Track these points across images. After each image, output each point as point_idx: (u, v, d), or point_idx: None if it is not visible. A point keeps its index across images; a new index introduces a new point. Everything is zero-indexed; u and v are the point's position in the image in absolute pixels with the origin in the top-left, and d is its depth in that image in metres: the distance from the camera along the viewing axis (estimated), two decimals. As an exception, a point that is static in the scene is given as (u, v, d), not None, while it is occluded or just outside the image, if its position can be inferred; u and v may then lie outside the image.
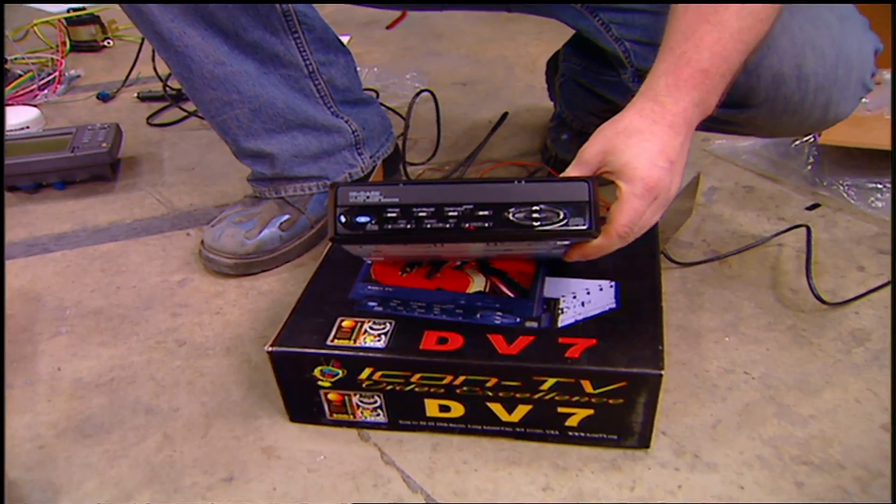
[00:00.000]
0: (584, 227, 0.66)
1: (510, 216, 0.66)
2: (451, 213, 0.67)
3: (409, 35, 2.12)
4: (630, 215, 0.69)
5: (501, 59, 1.93)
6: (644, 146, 0.69)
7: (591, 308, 0.77)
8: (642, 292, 0.80)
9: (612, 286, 0.81)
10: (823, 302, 0.93)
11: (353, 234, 0.68)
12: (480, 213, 0.67)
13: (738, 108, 0.87)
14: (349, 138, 1.10)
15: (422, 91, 1.32)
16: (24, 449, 0.79)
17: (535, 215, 0.66)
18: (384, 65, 1.84)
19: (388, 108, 1.48)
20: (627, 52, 0.96)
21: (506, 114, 1.38)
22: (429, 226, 0.67)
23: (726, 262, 1.03)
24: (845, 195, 1.15)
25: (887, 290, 0.96)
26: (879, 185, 1.14)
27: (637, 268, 0.84)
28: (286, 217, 1.07)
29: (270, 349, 0.75)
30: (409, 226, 0.67)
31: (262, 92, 1.01)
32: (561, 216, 0.66)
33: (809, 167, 1.22)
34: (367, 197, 0.67)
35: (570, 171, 0.73)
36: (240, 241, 1.04)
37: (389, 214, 0.67)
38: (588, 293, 0.80)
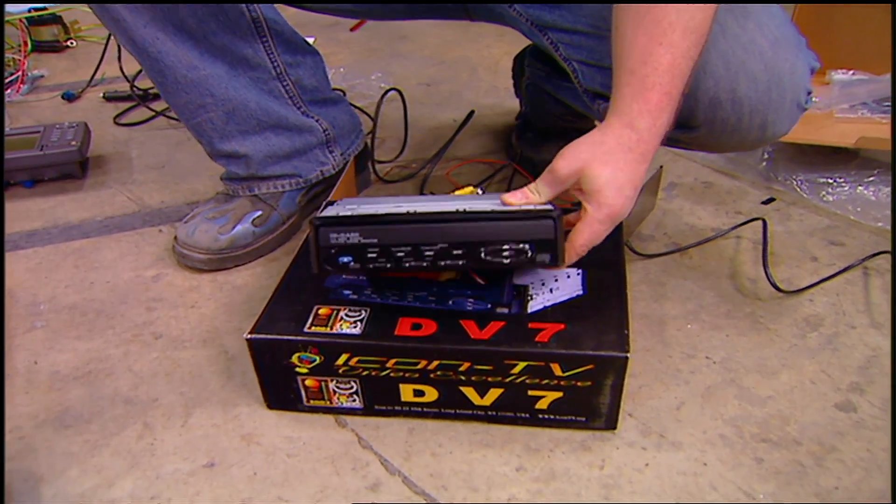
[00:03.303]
0: (548, 261, 0.71)
1: (482, 254, 0.71)
2: (427, 253, 0.71)
3: (373, 37, 2.14)
4: (590, 237, 0.74)
5: (465, 60, 1.96)
6: (617, 175, 0.73)
7: (558, 294, 0.80)
8: (607, 280, 0.83)
9: (578, 273, 0.84)
10: (780, 290, 0.97)
11: (335, 270, 0.72)
12: (455, 251, 0.71)
13: (681, 129, 0.90)
14: (320, 137, 1.12)
15: (389, 90, 1.34)
16: (9, 439, 0.80)
17: (504, 253, 0.71)
18: (350, 65, 1.86)
19: (356, 107, 1.50)
20: (576, 71, 0.99)
21: (472, 112, 1.41)
22: (407, 264, 0.71)
23: (687, 254, 1.07)
24: (798, 190, 1.19)
25: (839, 279, 1.00)
26: (830, 180, 1.19)
27: (602, 257, 0.86)
28: (259, 213, 1.09)
29: (249, 336, 0.77)
30: (388, 264, 0.71)
31: (234, 95, 1.02)
32: (528, 254, 0.71)
33: (764, 163, 1.26)
34: (348, 238, 0.71)
35: (543, 183, 0.76)
36: (213, 236, 1.05)
37: (369, 254, 0.71)
38: (556, 280, 0.83)
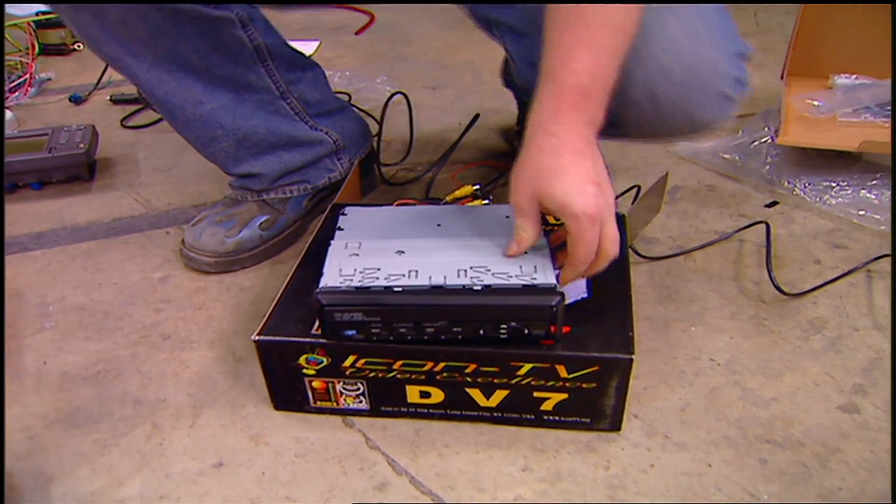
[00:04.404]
0: (542, 335, 0.73)
1: (480, 332, 0.73)
2: (428, 329, 0.73)
3: (377, 40, 2.15)
4: (586, 247, 0.73)
5: (469, 64, 1.96)
6: (566, 182, 0.72)
7: (568, 298, 0.81)
8: (612, 283, 0.83)
9: (583, 277, 0.85)
10: (783, 293, 0.98)
11: (339, 341, 0.75)
12: (454, 328, 0.73)
13: (611, 127, 0.88)
14: (330, 147, 1.13)
15: (395, 94, 1.35)
16: (14, 439, 0.81)
17: (501, 330, 0.72)
18: (355, 69, 1.87)
19: (362, 110, 1.51)
20: (518, 67, 0.99)
21: (477, 116, 1.42)
22: (409, 338, 0.74)
23: (691, 257, 1.07)
24: (802, 193, 1.20)
25: (842, 282, 1.01)
26: (833, 184, 1.20)
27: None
28: (266, 217, 1.10)
29: (257, 338, 0.77)
30: (390, 337, 0.74)
31: (242, 122, 1.04)
32: (525, 331, 0.72)
33: (768, 167, 1.27)
34: (352, 317, 0.73)
35: (520, 221, 0.76)
36: (220, 239, 1.06)
37: (373, 330, 0.73)
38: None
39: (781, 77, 1.45)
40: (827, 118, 1.27)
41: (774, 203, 1.20)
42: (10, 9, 2.21)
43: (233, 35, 0.96)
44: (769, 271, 1.00)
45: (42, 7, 2.02)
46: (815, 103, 1.29)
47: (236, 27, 0.96)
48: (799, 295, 0.99)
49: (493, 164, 1.37)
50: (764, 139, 1.32)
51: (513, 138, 1.41)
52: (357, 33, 2.13)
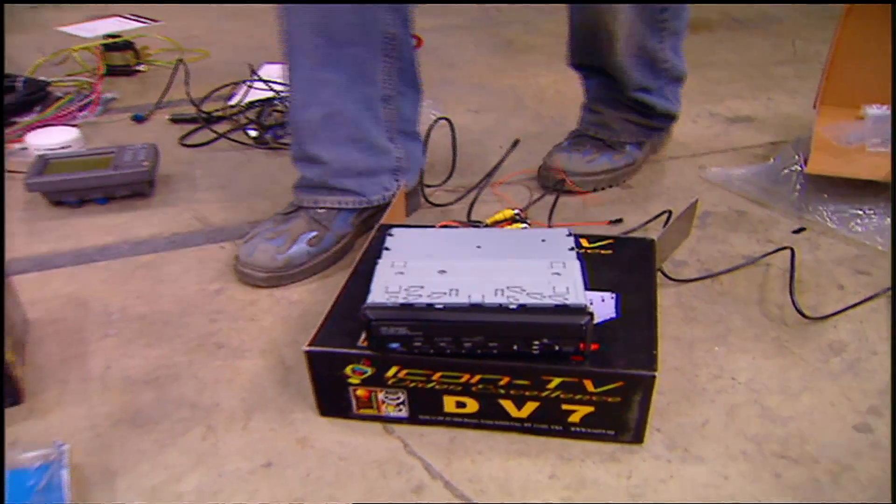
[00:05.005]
0: (572, 352, 0.78)
1: (514, 347, 0.79)
2: (466, 343, 0.79)
3: (424, 63, 2.20)
4: None
5: (512, 89, 2.02)
6: None
7: (596, 318, 0.86)
8: (639, 304, 0.89)
9: (612, 297, 0.90)
10: (805, 317, 1.02)
11: (385, 353, 0.82)
12: (490, 343, 0.79)
13: None
14: (393, 164, 1.20)
15: (439, 119, 1.41)
16: (83, 437, 0.87)
17: (534, 346, 0.78)
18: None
19: (406, 133, 1.58)
20: None
21: (517, 141, 1.47)
22: (448, 351, 0.80)
23: (718, 280, 1.12)
24: (828, 220, 1.24)
25: (864, 306, 1.05)
26: (859, 212, 1.23)
27: (636, 282, 0.93)
28: (314, 234, 1.16)
29: (307, 349, 0.84)
30: (431, 350, 0.80)
31: (340, 103, 1.11)
32: (556, 348, 0.78)
33: (796, 194, 1.31)
34: (397, 331, 0.79)
35: None
36: (271, 256, 1.13)
37: (415, 343, 0.79)
38: (591, 303, 0.89)
39: (814, 106, 1.48)
40: (855, 148, 1.31)
41: (802, 229, 1.24)
42: (79, 31, 2.32)
43: (374, 21, 1.06)
44: (792, 295, 1.04)
45: (110, 31, 2.12)
46: (845, 133, 1.33)
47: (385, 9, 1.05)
48: (821, 319, 1.02)
49: (530, 186, 1.42)
50: (794, 167, 1.36)
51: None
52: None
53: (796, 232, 1.24)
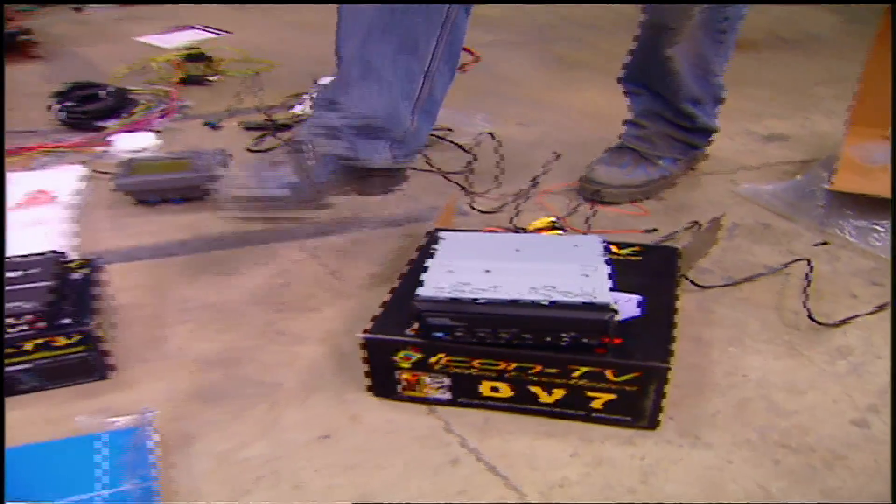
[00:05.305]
0: (596, 344, 0.88)
1: (545, 339, 0.89)
2: (503, 334, 0.89)
3: (480, 77, 2.32)
4: None
5: (560, 103, 2.11)
6: None
7: (620, 315, 0.96)
8: (661, 306, 0.98)
9: (637, 299, 0.99)
10: (817, 322, 1.10)
11: (432, 340, 0.92)
12: (524, 335, 0.89)
13: None
14: (398, 133, 1.24)
15: (487, 133, 1.51)
16: (164, 407, 0.99)
17: (563, 339, 0.88)
18: (457, 105, 2.03)
19: (457, 144, 1.68)
20: None
21: (557, 154, 1.56)
22: (487, 341, 0.90)
23: (739, 287, 1.20)
24: (849, 234, 1.31)
25: (874, 315, 1.12)
26: (878, 227, 1.31)
27: (660, 286, 1.03)
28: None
29: (363, 335, 0.94)
30: (472, 339, 0.90)
31: (381, 58, 1.16)
32: (581, 340, 0.88)
33: (820, 209, 1.38)
34: (443, 321, 0.90)
35: None
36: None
37: (459, 333, 0.90)
38: (618, 303, 0.98)
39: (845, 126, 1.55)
40: (879, 168, 1.38)
41: (823, 243, 1.32)
42: (159, 42, 2.47)
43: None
44: (805, 302, 1.12)
45: (186, 42, 2.26)
46: (870, 153, 1.40)
47: None
48: (832, 325, 1.10)
49: (570, 195, 1.51)
50: (821, 183, 1.43)
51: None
52: (463, 70, 2.29)
53: (817, 244, 1.31)
